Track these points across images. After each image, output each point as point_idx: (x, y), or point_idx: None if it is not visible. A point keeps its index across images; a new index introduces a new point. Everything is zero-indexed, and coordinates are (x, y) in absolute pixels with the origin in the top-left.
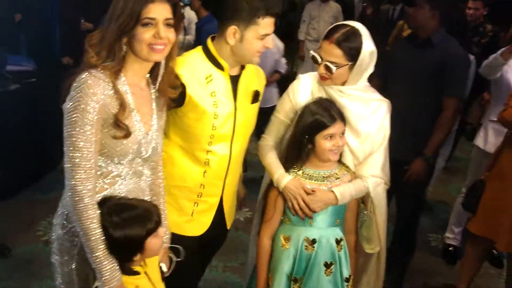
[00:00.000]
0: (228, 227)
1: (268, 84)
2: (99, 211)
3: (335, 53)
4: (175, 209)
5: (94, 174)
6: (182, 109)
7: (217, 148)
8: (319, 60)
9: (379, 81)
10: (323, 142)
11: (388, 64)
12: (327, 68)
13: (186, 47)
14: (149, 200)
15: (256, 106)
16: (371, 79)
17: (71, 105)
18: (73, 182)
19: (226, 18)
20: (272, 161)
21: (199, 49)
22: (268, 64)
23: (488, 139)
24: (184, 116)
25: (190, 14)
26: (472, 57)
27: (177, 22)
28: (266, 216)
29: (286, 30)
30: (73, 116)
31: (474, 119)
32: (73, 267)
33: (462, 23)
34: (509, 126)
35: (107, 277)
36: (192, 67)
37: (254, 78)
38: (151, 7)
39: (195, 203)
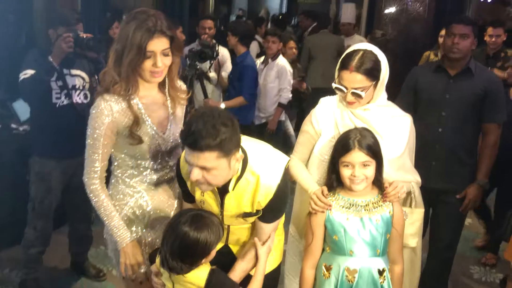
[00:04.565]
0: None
1: None
2: (108, 196)
3: (358, 80)
4: None
5: (102, 172)
6: None
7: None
8: (344, 90)
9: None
10: (342, 169)
11: (417, 95)
12: (356, 95)
13: (220, 83)
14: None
15: (250, 218)
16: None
17: (88, 124)
18: (85, 178)
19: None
20: (305, 177)
21: None
22: (272, 95)
23: None
24: None
25: (223, 52)
26: None
27: (175, 48)
28: (306, 242)
29: None
30: (89, 132)
31: None
32: None
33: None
34: None
35: (118, 239)
36: None
37: (246, 196)
38: (151, 42)
39: None
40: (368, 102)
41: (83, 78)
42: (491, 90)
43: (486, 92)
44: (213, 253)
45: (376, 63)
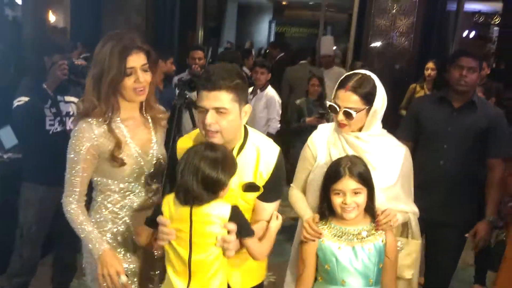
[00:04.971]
0: None
1: None
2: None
3: (352, 99)
4: None
5: (81, 195)
6: None
7: None
8: (337, 108)
9: (408, 144)
10: (333, 197)
11: (420, 127)
12: (347, 114)
13: None
14: None
15: (250, 194)
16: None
17: (69, 147)
18: (64, 198)
19: None
20: (301, 206)
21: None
22: (261, 125)
23: None
24: None
25: None
26: None
27: (152, 64)
28: (298, 272)
29: None
30: (70, 154)
31: None
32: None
33: None
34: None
35: (96, 247)
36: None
37: (248, 168)
38: (130, 58)
39: None
40: (360, 129)
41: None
42: (495, 124)
43: (489, 126)
44: (229, 185)
45: (373, 89)
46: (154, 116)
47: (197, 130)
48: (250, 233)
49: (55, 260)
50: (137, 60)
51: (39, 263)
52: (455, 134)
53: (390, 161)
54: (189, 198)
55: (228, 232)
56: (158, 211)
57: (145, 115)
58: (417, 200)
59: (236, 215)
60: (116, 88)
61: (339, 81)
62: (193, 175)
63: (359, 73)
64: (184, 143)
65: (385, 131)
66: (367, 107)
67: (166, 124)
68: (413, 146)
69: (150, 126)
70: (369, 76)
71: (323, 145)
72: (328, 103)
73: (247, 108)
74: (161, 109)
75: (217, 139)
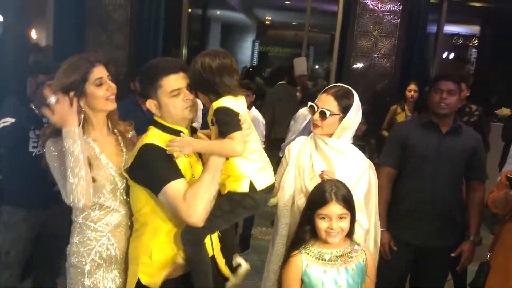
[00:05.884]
0: None
1: None
2: None
3: (330, 103)
4: None
5: None
6: None
7: None
8: (316, 108)
9: (392, 170)
10: (318, 221)
11: (407, 153)
12: (322, 113)
13: None
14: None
15: None
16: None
17: (49, 161)
18: (70, 199)
19: (144, 97)
20: None
21: (151, 128)
22: None
23: None
24: None
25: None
26: None
27: (112, 76)
28: None
29: None
30: (53, 164)
31: None
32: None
33: None
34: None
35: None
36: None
37: None
38: (95, 70)
39: None
40: (331, 135)
41: None
42: (478, 149)
43: (474, 149)
44: None
45: (351, 102)
46: (121, 130)
47: (152, 129)
48: None
49: (35, 285)
50: (102, 71)
51: (19, 287)
52: (446, 158)
53: (350, 172)
54: (238, 91)
55: None
56: (233, 114)
57: (112, 130)
58: (409, 225)
59: None
60: (81, 98)
61: (326, 88)
62: (228, 72)
63: (344, 86)
64: (158, 139)
65: (353, 146)
66: (341, 115)
67: (134, 135)
68: (397, 174)
69: (119, 140)
70: (351, 91)
71: (295, 151)
72: (310, 103)
73: None
74: (124, 122)
75: (193, 111)
